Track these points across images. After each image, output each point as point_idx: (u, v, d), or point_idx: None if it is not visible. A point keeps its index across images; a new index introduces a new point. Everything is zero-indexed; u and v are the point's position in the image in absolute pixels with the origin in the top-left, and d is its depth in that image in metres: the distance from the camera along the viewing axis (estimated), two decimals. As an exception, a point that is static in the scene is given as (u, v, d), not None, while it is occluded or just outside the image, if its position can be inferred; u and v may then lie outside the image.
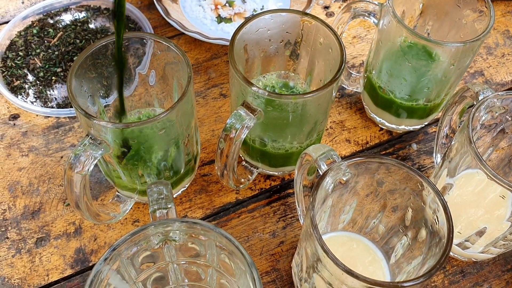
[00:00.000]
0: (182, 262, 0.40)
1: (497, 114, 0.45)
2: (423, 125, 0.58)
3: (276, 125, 0.45)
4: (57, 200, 0.52)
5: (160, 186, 0.37)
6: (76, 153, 0.40)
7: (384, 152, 0.57)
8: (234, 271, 0.37)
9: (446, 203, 0.36)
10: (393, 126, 0.57)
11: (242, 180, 0.51)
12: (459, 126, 0.51)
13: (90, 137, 0.40)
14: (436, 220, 0.37)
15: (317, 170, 0.42)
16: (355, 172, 0.40)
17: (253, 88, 0.41)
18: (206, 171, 0.55)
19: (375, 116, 0.58)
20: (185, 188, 0.53)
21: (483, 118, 0.45)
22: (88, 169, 0.40)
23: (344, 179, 0.40)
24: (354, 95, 0.61)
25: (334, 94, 0.45)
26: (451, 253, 0.49)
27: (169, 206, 0.37)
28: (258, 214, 0.52)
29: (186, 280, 0.42)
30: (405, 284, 0.33)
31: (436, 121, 0.59)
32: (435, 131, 0.58)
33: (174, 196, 0.52)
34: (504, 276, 0.49)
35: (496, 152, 0.51)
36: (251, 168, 0.53)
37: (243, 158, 0.54)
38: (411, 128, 0.57)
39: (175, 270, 0.40)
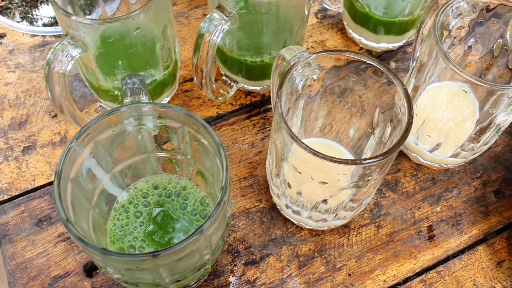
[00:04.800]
0: (159, 155, 0.42)
1: (467, 20, 0.46)
2: (402, 44, 0.59)
3: (252, 32, 0.46)
4: (43, 113, 0.53)
5: (134, 78, 0.38)
6: (55, 52, 0.41)
7: (363, 71, 0.58)
8: (205, 159, 0.39)
9: (406, 88, 0.38)
10: (373, 44, 0.58)
11: (222, 91, 0.53)
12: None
13: (69, 37, 0.42)
14: (399, 111, 0.39)
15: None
16: (324, 67, 0.41)
17: (226, -13, 0.42)
18: (188, 87, 0.56)
19: (355, 35, 0.59)
20: (167, 101, 0.54)
21: (453, 23, 0.46)
22: (66, 68, 0.42)
23: (314, 77, 0.42)
24: (335, 17, 0.62)
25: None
26: (422, 160, 0.50)
27: (143, 98, 0.39)
28: (238, 127, 0.54)
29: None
30: (365, 162, 0.35)
31: (415, 41, 0.60)
32: (414, 51, 0.59)
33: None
34: (473, 183, 0.51)
35: (467, 69, 0.52)
36: (231, 82, 0.55)
37: (223, 73, 0.55)
38: (389, 46, 0.58)
39: (152, 163, 0.42)
